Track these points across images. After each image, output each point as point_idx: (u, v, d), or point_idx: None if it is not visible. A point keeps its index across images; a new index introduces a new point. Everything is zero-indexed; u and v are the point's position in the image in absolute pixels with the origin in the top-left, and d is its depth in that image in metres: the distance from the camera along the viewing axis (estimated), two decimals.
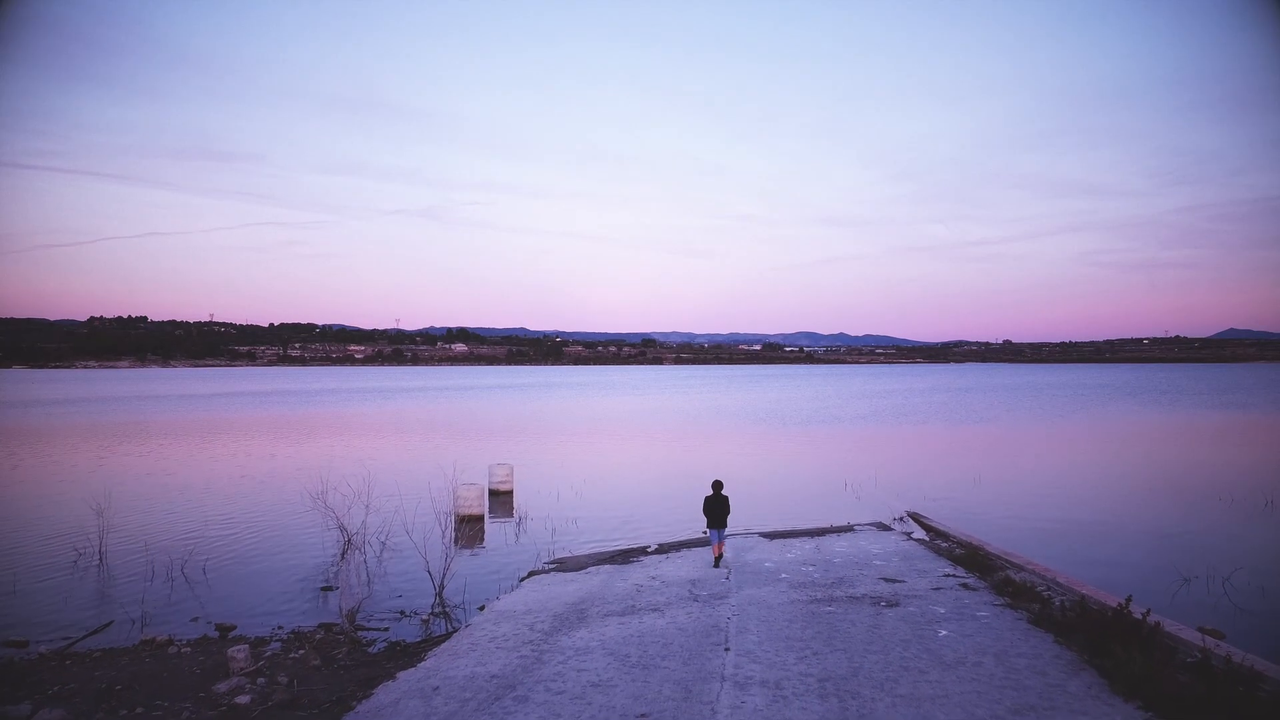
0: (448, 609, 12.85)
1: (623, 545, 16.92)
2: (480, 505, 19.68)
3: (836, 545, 15.98)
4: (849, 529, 18.05)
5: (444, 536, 17.97)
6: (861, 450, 35.17)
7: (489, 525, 19.54)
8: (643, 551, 16.10)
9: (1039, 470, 28.58)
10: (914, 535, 17.06)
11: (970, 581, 12.49)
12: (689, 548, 16.25)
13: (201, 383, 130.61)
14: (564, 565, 15.02)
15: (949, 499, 22.81)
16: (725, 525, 14.66)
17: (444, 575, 13.35)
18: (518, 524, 19.51)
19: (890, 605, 11.07)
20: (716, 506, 14.14)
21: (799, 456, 33.25)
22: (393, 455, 33.50)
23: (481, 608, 12.46)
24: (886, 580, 12.71)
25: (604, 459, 32.56)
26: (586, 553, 16.17)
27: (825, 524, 18.91)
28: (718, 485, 14.87)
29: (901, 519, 19.59)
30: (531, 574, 14.36)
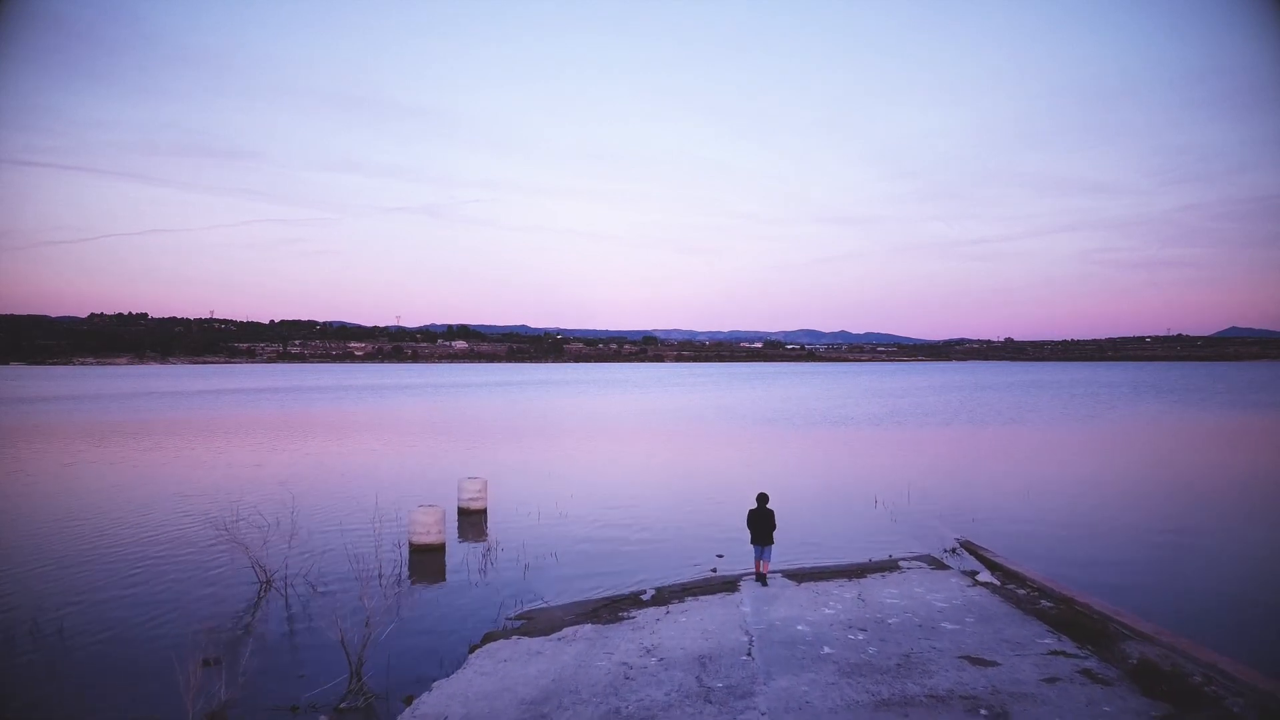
0: (368, 698, 9.31)
1: (609, 590, 13.38)
2: (439, 532, 16.14)
3: (885, 593, 12.44)
4: (894, 566, 14.50)
5: (392, 575, 14.46)
6: (886, 457, 31.60)
7: (452, 554, 15.99)
8: (636, 601, 12.57)
9: (1097, 482, 24.97)
10: (980, 578, 13.50)
11: (1092, 665, 8.93)
12: (694, 595, 12.71)
13: (193, 380, 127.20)
14: (531, 624, 11.48)
15: (1000, 519, 19.26)
16: (772, 541, 13.24)
17: (363, 646, 9.79)
18: (485, 554, 15.98)
19: (997, 716, 7.52)
20: (761, 521, 13.15)
21: (817, 465, 29.69)
22: (356, 463, 29.98)
23: (409, 699, 8.95)
24: (972, 661, 9.16)
25: (595, 467, 29.03)
26: (563, 603, 12.63)
27: (863, 558, 15.37)
28: (763, 498, 13.34)
29: (955, 550, 16.05)
30: (487, 639, 10.83)
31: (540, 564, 15.29)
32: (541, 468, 28.14)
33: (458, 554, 16.05)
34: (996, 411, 56.65)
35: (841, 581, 13.31)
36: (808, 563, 15.04)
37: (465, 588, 13.81)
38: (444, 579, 14.55)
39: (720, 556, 15.54)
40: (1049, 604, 11.81)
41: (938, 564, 14.71)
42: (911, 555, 15.45)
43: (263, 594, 13.29)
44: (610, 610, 11.99)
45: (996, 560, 14.61)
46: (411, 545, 16.03)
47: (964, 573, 13.95)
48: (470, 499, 19.74)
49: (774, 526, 13.24)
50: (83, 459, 30.47)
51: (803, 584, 13.17)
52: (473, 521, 19.04)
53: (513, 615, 11.99)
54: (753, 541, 13.37)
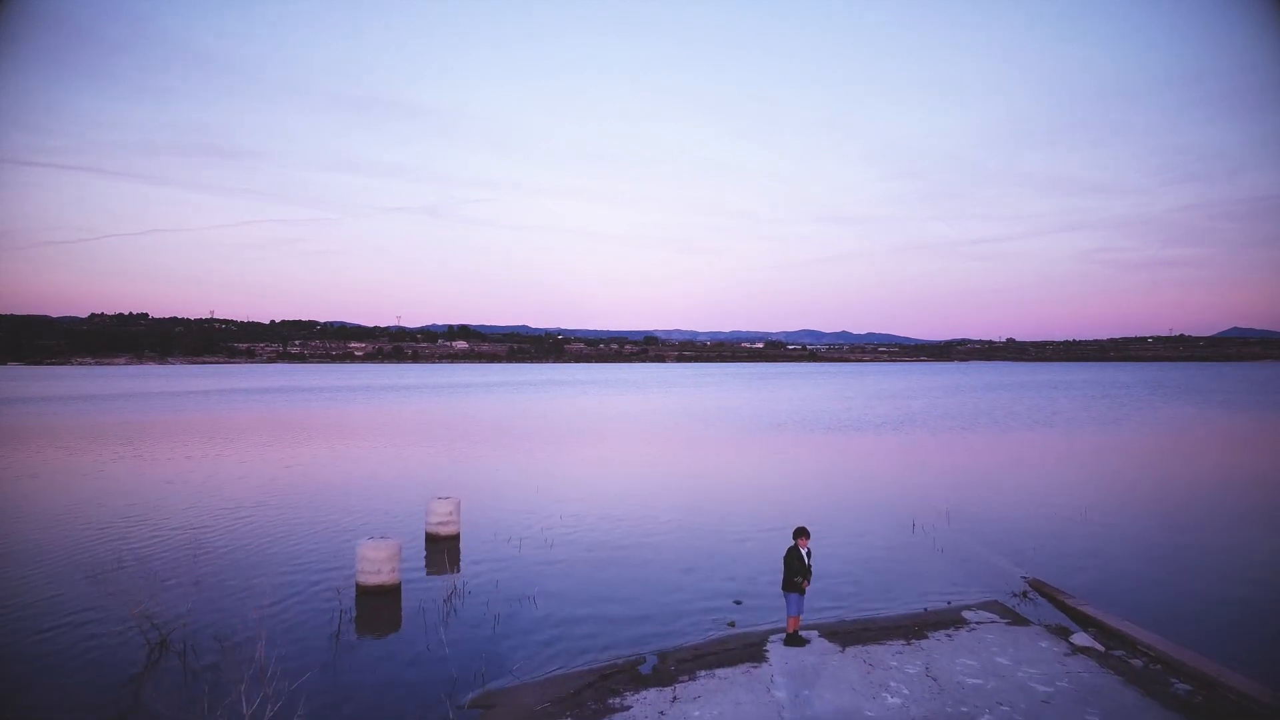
0: None
1: (599, 655, 10.42)
2: (393, 571, 13.20)
3: (959, 665, 9.49)
4: (959, 619, 11.55)
5: (327, 630, 11.54)
6: (915, 469, 28.62)
7: (408, 598, 13.02)
8: (632, 675, 9.61)
9: (1164, 497, 21.94)
10: (1075, 640, 10.52)
11: None
12: (709, 666, 9.75)
13: (188, 380, 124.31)
14: (490, 716, 8.53)
15: (1061, 547, 16.30)
16: (802, 590, 10.36)
17: None
18: (449, 598, 13.01)
19: None
20: (793, 562, 10.45)
21: (840, 479, 26.71)
22: (328, 476, 27.04)
23: None
24: None
25: (589, 483, 26.06)
26: (535, 679, 9.66)
27: (915, 603, 12.45)
28: (799, 532, 10.58)
29: (1025, 594, 13.08)
30: None
31: (515, 612, 12.34)
32: (530, 482, 25.17)
33: (415, 598, 13.08)
34: (1016, 414, 53.64)
35: (898, 645, 10.35)
36: (849, 610, 12.10)
37: (415, 649, 10.85)
38: (393, 633, 11.60)
39: (738, 603, 12.58)
40: (1186, 686, 8.85)
41: (1012, 615, 11.76)
42: (975, 602, 12.50)
43: (152, 661, 10.32)
44: (597, 693, 9.03)
45: (1086, 612, 11.64)
46: (359, 587, 13.10)
47: (1049, 630, 11.00)
48: (440, 523, 16.79)
49: (795, 571, 10.44)
50: (48, 469, 27.51)
51: (849, 649, 10.21)
52: (441, 550, 16.07)
53: (467, 701, 9.03)
54: (784, 588, 10.52)
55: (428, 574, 14.59)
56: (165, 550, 15.85)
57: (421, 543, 16.61)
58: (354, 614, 12.23)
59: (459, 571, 14.64)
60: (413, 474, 26.58)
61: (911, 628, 11.14)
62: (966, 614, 11.85)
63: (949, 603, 12.51)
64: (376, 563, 12.99)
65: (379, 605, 12.65)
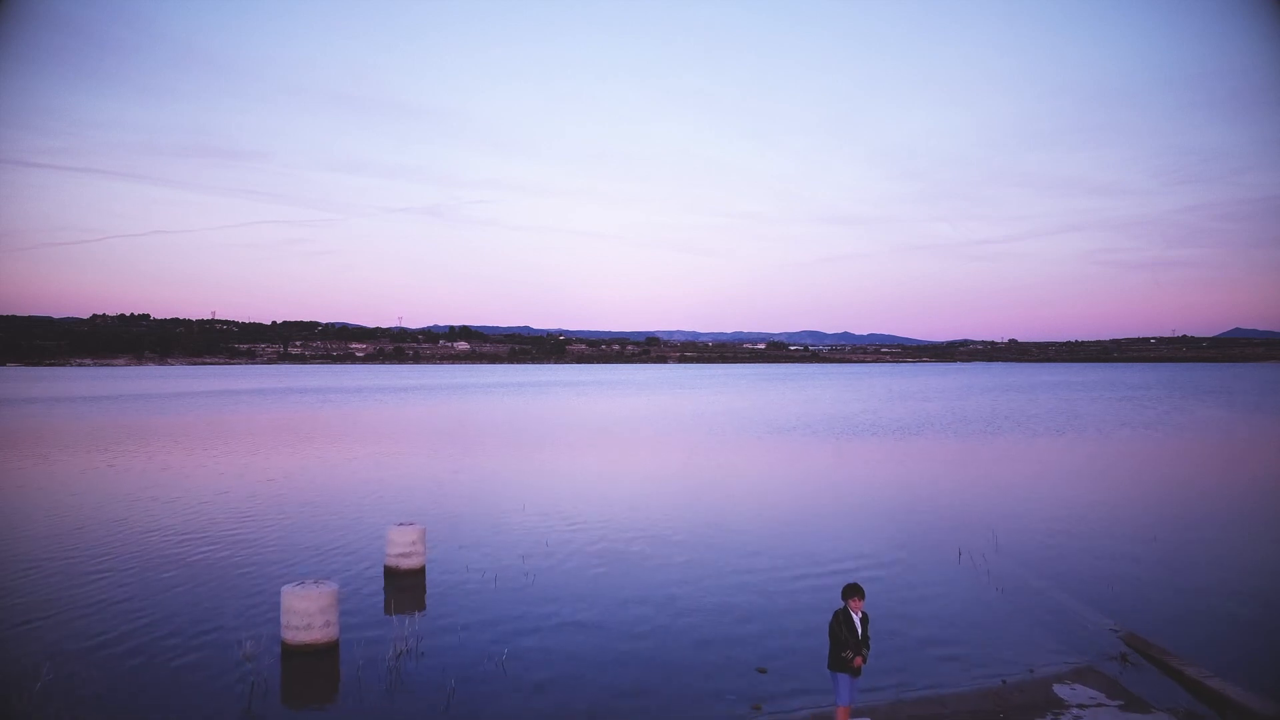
0: None
1: None
2: (327, 624, 10.55)
3: None
4: (1051, 696, 8.89)
5: (238, 705, 8.92)
6: (947, 480, 25.86)
7: (347, 657, 10.37)
8: None
9: (1246, 516, 19.19)
10: None
11: None
12: None
13: (184, 382, 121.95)
14: None
15: (1141, 584, 13.64)
16: (856, 670, 7.68)
17: None
18: (397, 659, 10.33)
19: None
20: (841, 632, 7.80)
21: (866, 493, 23.97)
22: (293, 496, 24.43)
23: None
24: None
25: (583, 501, 23.35)
26: None
27: (989, 672, 9.76)
28: (851, 591, 7.91)
29: (1126, 658, 10.39)
30: None
31: (477, 681, 9.68)
32: (514, 499, 22.47)
33: (355, 658, 10.38)
34: (1036, 417, 50.84)
35: None
36: (902, 678, 9.43)
37: None
38: (317, 710, 8.97)
39: (762, 671, 9.91)
40: None
41: (1122, 693, 9.06)
42: (1066, 671, 9.81)
43: None
44: None
45: (1219, 690, 8.91)
46: (285, 646, 10.45)
47: (1175, 714, 8.32)
48: (401, 555, 14.13)
49: (839, 643, 7.78)
50: (8, 481, 24.98)
51: None
52: (401, 588, 13.44)
53: None
54: (830, 667, 7.85)
55: (398, 606, 12.01)
56: (77, 598, 13.24)
57: (379, 578, 13.99)
58: (273, 684, 9.59)
59: (418, 616, 12.01)
60: (385, 490, 23.91)
61: (994, 713, 8.47)
62: (1059, 689, 9.18)
63: (1031, 670, 9.83)
64: (305, 615, 10.34)
65: (307, 670, 9.99)
